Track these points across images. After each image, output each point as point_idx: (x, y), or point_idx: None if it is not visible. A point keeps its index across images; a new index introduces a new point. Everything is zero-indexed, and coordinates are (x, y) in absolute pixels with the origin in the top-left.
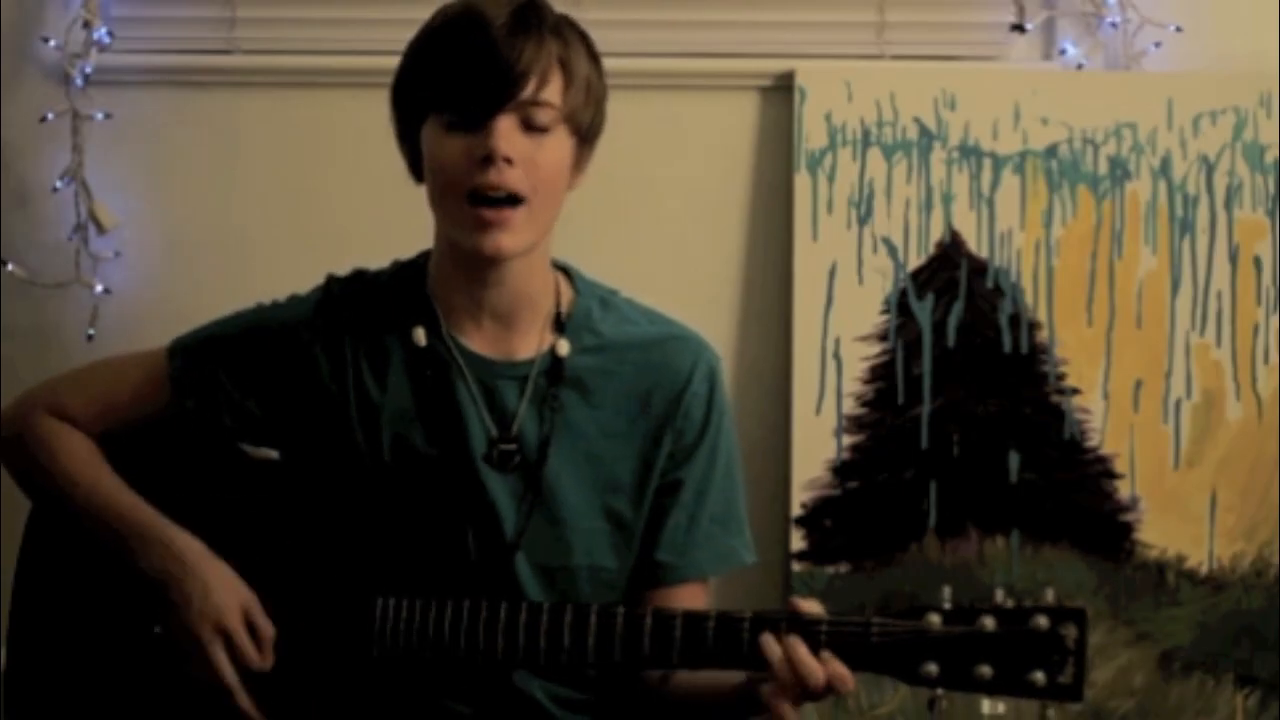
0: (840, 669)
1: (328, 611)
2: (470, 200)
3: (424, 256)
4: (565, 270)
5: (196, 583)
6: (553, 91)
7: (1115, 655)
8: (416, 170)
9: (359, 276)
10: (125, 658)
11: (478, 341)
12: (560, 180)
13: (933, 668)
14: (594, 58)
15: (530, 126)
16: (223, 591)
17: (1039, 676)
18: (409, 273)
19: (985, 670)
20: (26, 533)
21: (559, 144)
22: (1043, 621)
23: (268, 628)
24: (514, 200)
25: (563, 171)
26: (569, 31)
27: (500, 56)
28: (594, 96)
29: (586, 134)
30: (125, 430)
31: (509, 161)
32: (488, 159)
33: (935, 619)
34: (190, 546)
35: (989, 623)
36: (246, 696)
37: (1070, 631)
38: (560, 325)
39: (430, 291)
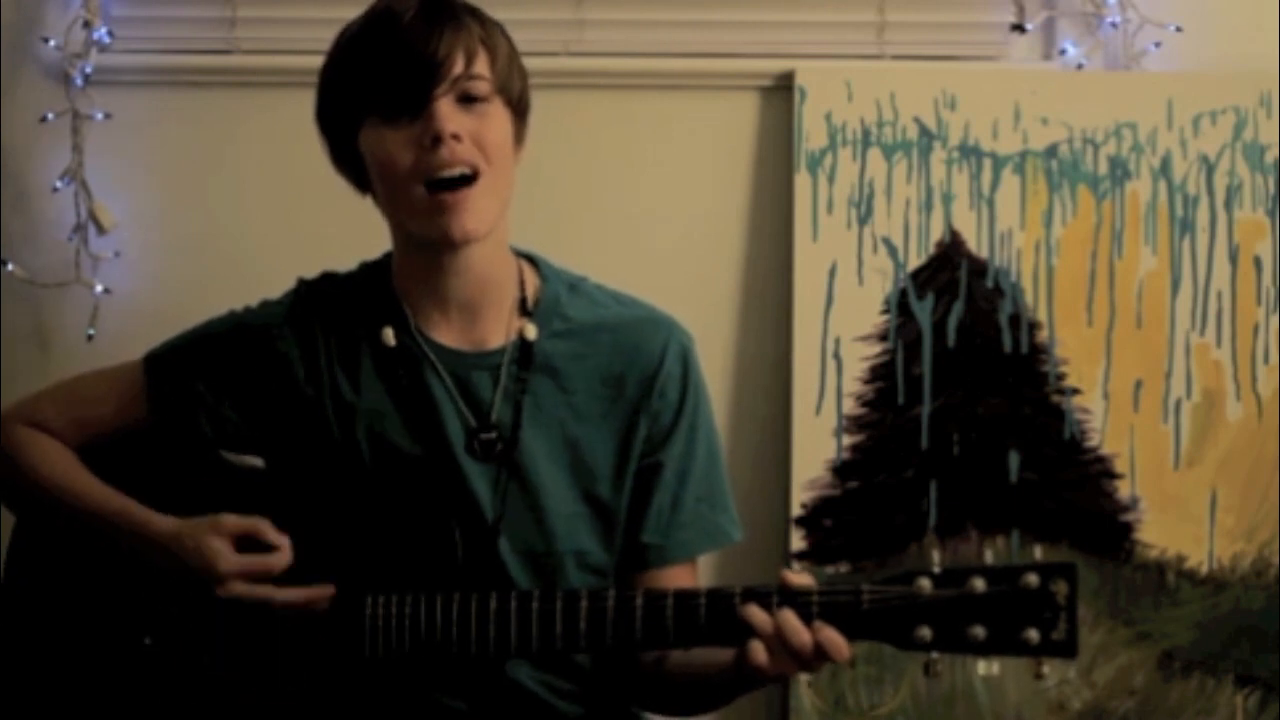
0: (833, 635)
1: (319, 613)
2: (429, 188)
3: (388, 256)
4: (531, 259)
5: (180, 554)
6: (481, 65)
7: (1115, 655)
8: (361, 184)
9: (328, 278)
10: (117, 669)
11: (447, 335)
12: (507, 151)
13: (926, 632)
14: (508, 37)
15: (468, 100)
16: (195, 548)
17: (1032, 634)
18: (374, 273)
19: (978, 631)
20: (12, 545)
21: (498, 115)
22: (1033, 579)
23: (251, 523)
24: (469, 179)
25: (507, 142)
26: (481, 13)
27: (424, 42)
28: (518, 69)
29: (518, 106)
30: (107, 442)
31: (456, 138)
32: (435, 139)
33: (926, 583)
34: (161, 526)
35: (979, 584)
36: (289, 589)
37: (1060, 587)
38: (528, 311)
39: (396, 290)
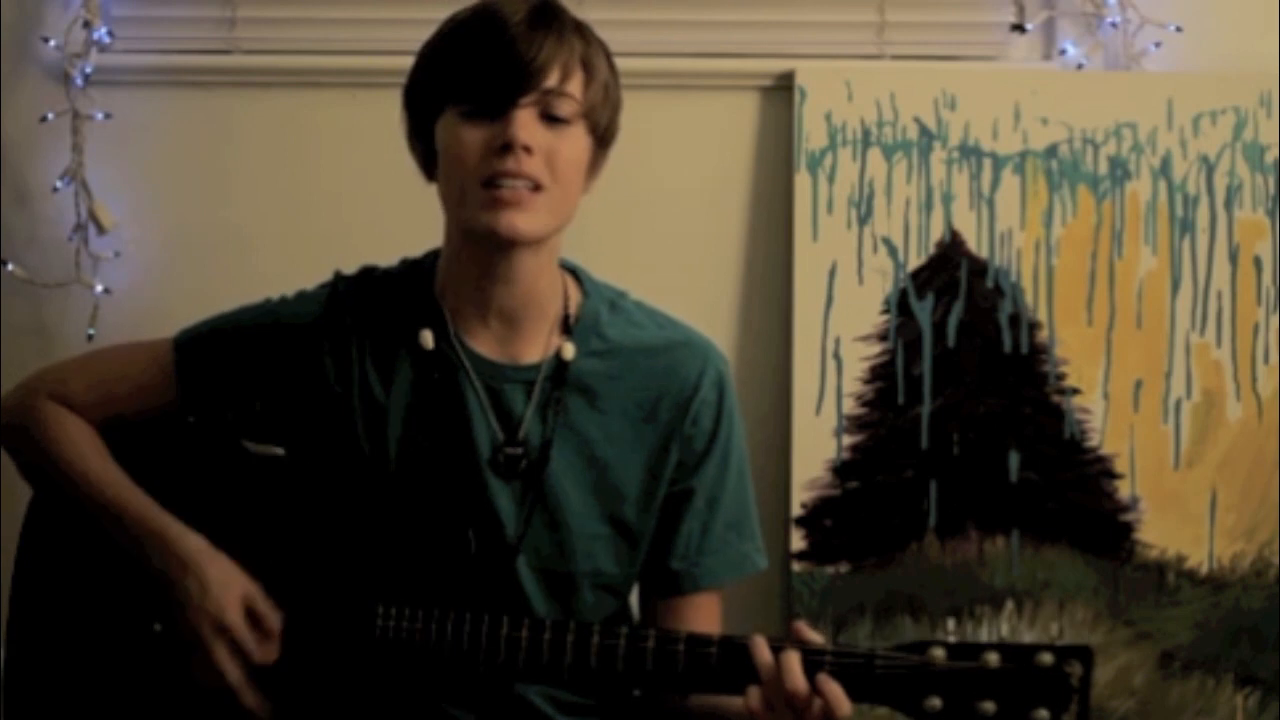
0: (836, 691)
1: (328, 615)
2: (486, 185)
3: (432, 256)
4: (574, 272)
5: (194, 581)
6: (574, 85)
7: (1115, 655)
8: (428, 169)
9: (367, 274)
10: (125, 654)
11: (485, 344)
12: (577, 176)
13: (936, 702)
14: (612, 64)
15: (550, 118)
16: (221, 587)
17: (1043, 714)
18: (416, 273)
19: (988, 706)
20: (25, 528)
21: (577, 139)
22: (1047, 659)
23: (272, 617)
24: (531, 186)
25: (580, 168)
26: (589, 33)
27: (522, 47)
28: (611, 99)
29: (603, 136)
30: (130, 423)
31: (528, 150)
32: (506, 147)
33: (939, 653)
34: (188, 543)
35: (993, 659)
36: (252, 694)
37: (1075, 669)
38: (567, 329)
39: (438, 293)
